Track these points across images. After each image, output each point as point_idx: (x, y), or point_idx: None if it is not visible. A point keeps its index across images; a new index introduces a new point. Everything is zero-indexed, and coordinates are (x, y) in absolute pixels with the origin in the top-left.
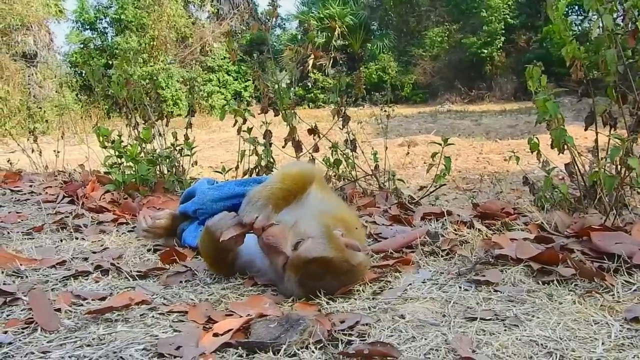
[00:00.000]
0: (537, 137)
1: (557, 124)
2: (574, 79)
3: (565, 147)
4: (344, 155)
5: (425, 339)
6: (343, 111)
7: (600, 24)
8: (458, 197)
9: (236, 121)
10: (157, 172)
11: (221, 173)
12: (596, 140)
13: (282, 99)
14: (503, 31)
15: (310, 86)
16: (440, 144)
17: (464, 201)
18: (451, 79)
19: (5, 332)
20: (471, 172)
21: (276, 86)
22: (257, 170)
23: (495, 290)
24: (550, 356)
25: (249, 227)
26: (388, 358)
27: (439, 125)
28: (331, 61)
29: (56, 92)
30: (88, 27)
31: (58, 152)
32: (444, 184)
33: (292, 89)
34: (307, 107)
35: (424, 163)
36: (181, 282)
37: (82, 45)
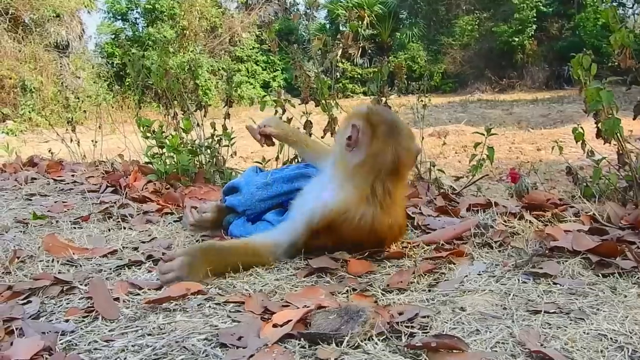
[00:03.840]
0: (581, 127)
1: (606, 113)
2: (622, 67)
3: (614, 137)
4: None
5: (490, 332)
6: (384, 101)
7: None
8: (491, 187)
9: (276, 111)
10: (197, 163)
11: (261, 163)
12: None
13: (322, 89)
14: (535, 19)
15: (338, 76)
16: (483, 134)
17: (499, 191)
18: (481, 68)
19: (67, 321)
20: (504, 162)
21: (314, 76)
22: (296, 160)
23: (555, 283)
24: (621, 351)
25: None
26: (455, 351)
27: (470, 115)
28: (360, 51)
29: (94, 82)
30: (119, 17)
31: (95, 142)
32: (486, 175)
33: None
34: (336, 97)
35: (455, 153)
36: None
37: (113, 36)
